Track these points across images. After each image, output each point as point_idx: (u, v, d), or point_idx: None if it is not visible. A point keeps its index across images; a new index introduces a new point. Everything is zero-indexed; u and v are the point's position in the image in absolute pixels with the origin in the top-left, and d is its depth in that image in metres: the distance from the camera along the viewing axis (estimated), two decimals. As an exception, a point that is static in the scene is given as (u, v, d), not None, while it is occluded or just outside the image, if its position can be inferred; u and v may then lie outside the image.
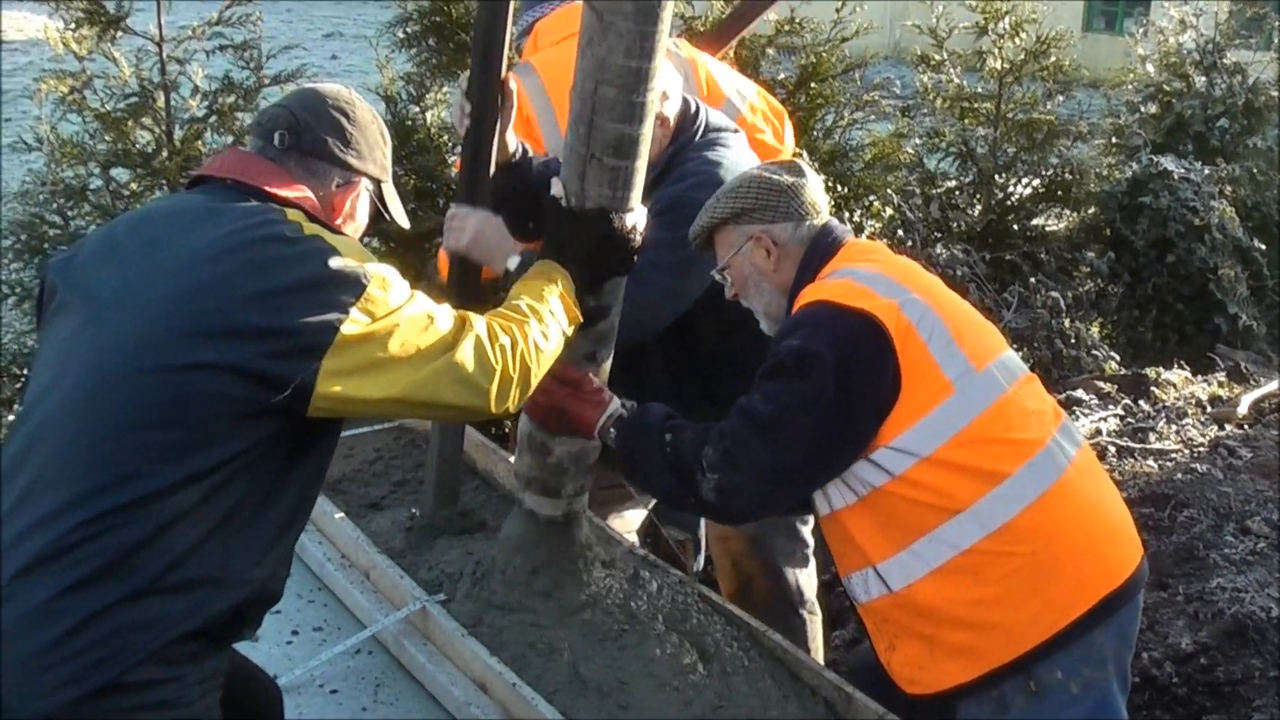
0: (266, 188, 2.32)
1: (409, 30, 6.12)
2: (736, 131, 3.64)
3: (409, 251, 5.52)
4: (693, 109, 3.52)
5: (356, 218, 2.53)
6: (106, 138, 5.10)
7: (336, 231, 2.35)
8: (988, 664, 2.61)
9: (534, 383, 2.50)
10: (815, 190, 2.97)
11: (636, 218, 2.83)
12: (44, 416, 2.11)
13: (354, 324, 2.16)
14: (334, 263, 2.18)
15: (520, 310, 2.55)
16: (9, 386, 5.16)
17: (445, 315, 2.34)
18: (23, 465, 2.09)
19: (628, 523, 3.93)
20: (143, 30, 5.09)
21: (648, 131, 2.73)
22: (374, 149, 2.52)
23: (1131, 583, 2.69)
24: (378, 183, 2.55)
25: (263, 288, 2.12)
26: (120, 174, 5.22)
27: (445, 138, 5.84)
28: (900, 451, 2.62)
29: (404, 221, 2.67)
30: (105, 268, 2.21)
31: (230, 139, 5.26)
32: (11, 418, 5.01)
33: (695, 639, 2.95)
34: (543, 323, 2.54)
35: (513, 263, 3.16)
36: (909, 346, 2.62)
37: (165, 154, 5.12)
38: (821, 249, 2.89)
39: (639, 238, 2.84)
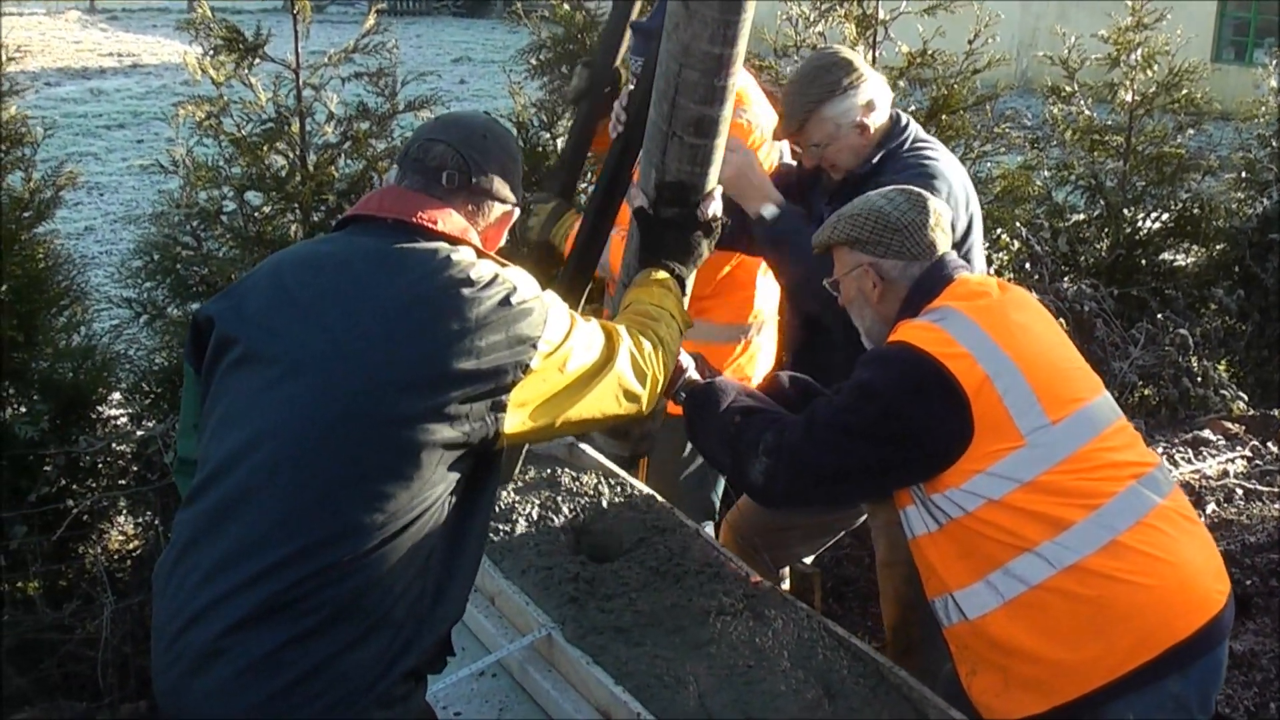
0: (431, 226, 2.36)
1: (542, 58, 6.17)
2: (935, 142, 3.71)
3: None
4: (902, 121, 3.62)
5: (502, 240, 2.61)
6: (241, 162, 5.18)
7: (501, 262, 2.41)
8: (1057, 699, 2.65)
9: (666, 381, 2.67)
10: (937, 228, 2.98)
11: (716, 208, 2.94)
12: (252, 469, 2.13)
13: (539, 357, 2.26)
14: (516, 299, 2.26)
15: (649, 314, 2.71)
16: (139, 402, 5.25)
17: (597, 331, 2.46)
18: (228, 519, 2.11)
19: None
20: (279, 57, 5.17)
21: (728, 114, 2.81)
22: (520, 176, 2.59)
23: (1206, 635, 2.66)
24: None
25: (460, 332, 2.18)
26: (254, 197, 5.31)
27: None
28: (970, 493, 2.68)
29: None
30: (291, 319, 2.24)
31: (363, 165, 5.33)
32: (140, 433, 5.11)
33: (821, 675, 2.92)
34: (668, 325, 2.71)
35: (769, 211, 3.35)
36: (983, 398, 2.68)
37: (299, 179, 5.20)
38: (928, 286, 2.93)
39: (719, 226, 2.98)
